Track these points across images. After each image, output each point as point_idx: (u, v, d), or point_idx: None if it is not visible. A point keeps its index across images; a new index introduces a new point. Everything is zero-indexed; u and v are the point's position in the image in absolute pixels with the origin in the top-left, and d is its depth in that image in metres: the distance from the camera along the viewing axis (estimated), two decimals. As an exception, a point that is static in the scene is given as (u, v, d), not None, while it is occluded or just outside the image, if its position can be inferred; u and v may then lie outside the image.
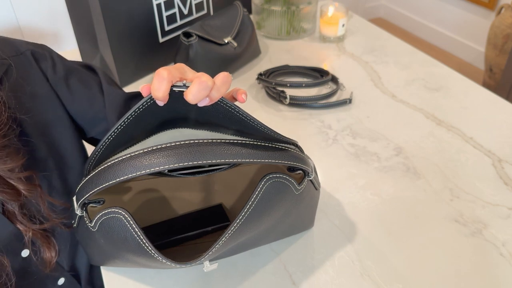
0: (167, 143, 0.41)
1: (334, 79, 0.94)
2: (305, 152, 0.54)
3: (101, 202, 0.47)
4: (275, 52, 1.10)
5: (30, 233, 0.52)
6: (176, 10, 1.00)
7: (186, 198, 0.61)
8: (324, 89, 0.94)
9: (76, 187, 0.46)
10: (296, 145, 0.50)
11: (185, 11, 1.03)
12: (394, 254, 0.58)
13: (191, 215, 0.59)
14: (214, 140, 0.42)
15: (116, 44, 0.92)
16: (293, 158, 0.47)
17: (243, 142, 0.44)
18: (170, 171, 0.55)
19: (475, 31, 2.42)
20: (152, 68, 1.02)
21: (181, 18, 1.02)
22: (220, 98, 0.40)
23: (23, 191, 0.50)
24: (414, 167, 0.72)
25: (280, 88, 0.91)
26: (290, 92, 0.90)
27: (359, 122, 0.84)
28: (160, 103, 0.39)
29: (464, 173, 0.71)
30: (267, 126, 0.44)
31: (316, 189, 0.56)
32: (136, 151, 0.41)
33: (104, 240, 0.46)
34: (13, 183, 0.50)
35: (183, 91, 0.39)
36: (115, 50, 0.93)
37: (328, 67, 1.01)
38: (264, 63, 1.05)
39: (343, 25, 1.10)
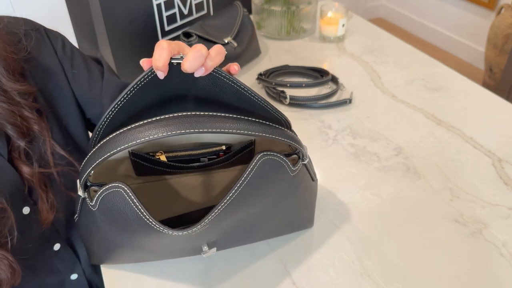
0: (165, 116, 0.42)
1: (334, 79, 0.94)
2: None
3: (102, 186, 0.47)
4: (275, 52, 1.10)
5: (34, 178, 0.55)
6: (176, 10, 1.00)
7: (187, 200, 0.61)
8: (324, 89, 0.94)
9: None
10: (290, 128, 0.52)
11: (185, 11, 1.03)
12: (394, 254, 0.58)
13: (193, 213, 0.59)
14: (213, 114, 0.43)
15: (116, 44, 0.92)
16: (289, 137, 0.48)
17: (242, 117, 0.45)
18: (170, 161, 0.55)
19: (475, 31, 2.42)
20: (152, 68, 1.01)
21: (181, 18, 1.03)
22: (216, 69, 0.43)
23: (34, 125, 0.55)
24: (414, 167, 0.72)
25: (280, 88, 0.91)
26: (290, 92, 0.90)
27: (359, 122, 0.84)
28: (161, 75, 0.41)
29: (464, 173, 0.71)
30: (261, 97, 0.46)
31: (312, 179, 0.56)
32: (137, 123, 0.43)
33: (104, 219, 0.47)
34: (26, 113, 0.54)
35: (180, 63, 0.41)
36: (115, 50, 0.93)
37: (328, 67, 1.01)
38: (264, 63, 1.05)
39: (343, 25, 1.10)
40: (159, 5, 0.96)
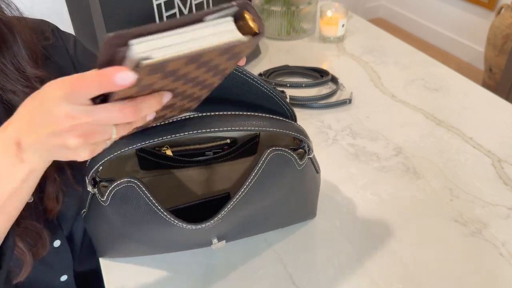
0: (173, 119, 0.44)
1: (334, 79, 0.95)
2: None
3: (113, 182, 0.48)
4: (275, 52, 1.10)
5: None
6: (176, 10, 1.00)
7: (192, 193, 0.61)
8: (324, 89, 0.94)
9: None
10: (296, 120, 0.53)
11: (185, 11, 1.03)
12: (394, 254, 0.58)
13: (199, 204, 0.60)
14: (221, 113, 0.45)
15: (116, 44, 0.92)
16: (297, 130, 0.50)
17: (249, 114, 0.47)
18: (176, 155, 0.56)
19: (475, 31, 2.42)
20: (152, 68, 1.01)
21: (181, 18, 1.02)
22: None
23: None
24: (414, 167, 0.72)
25: (280, 88, 0.91)
26: (290, 92, 0.90)
27: (359, 122, 0.84)
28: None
29: (464, 173, 0.71)
30: (269, 85, 0.48)
31: (316, 171, 0.58)
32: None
33: (116, 214, 0.47)
34: None
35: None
36: (115, 50, 0.93)
37: (328, 67, 1.01)
38: (264, 63, 1.05)
39: (343, 25, 1.10)
40: (159, 5, 0.96)
